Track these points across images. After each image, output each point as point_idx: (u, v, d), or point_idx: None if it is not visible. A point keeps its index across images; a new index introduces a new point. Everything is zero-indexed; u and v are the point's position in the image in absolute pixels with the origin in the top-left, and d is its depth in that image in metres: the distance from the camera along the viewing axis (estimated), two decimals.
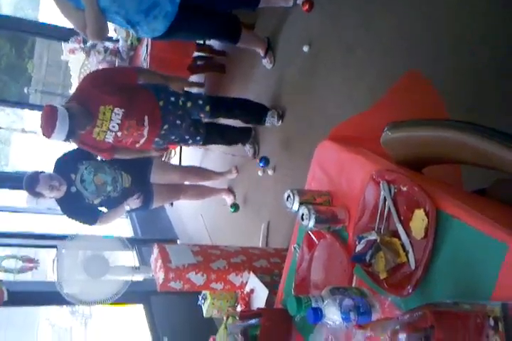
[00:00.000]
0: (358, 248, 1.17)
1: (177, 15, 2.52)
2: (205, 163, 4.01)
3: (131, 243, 4.41)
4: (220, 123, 3.36)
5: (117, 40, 4.11)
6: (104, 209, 3.16)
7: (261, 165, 3.14)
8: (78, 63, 4.71)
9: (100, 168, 3.02)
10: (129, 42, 3.94)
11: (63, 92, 7.44)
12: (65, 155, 3.13)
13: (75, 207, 3.00)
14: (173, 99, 2.82)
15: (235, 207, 3.53)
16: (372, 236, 1.15)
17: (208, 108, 2.91)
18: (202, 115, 2.95)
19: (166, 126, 2.81)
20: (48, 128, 2.49)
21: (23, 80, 9.13)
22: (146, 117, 2.73)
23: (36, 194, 2.90)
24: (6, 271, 3.34)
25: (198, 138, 3.03)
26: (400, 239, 1.11)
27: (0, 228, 4.72)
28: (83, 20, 2.46)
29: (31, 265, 3.45)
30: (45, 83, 8.60)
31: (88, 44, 4.00)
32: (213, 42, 4.22)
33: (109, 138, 2.70)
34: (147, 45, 3.59)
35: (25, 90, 7.04)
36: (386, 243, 1.12)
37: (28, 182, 2.88)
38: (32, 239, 4.27)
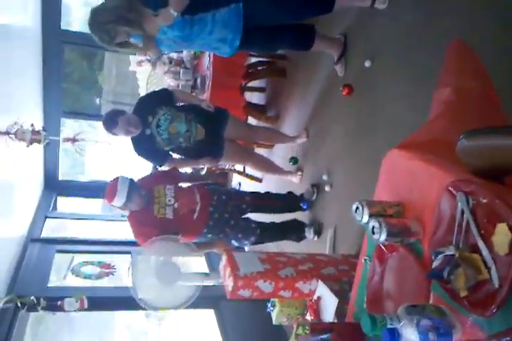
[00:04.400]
0: (435, 263, 1.11)
1: (242, 41, 2.57)
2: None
3: None
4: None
5: (181, 51, 4.21)
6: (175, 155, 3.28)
7: (304, 207, 3.31)
8: (145, 74, 4.89)
9: (177, 117, 3.05)
10: (192, 52, 4.02)
11: (132, 102, 7.73)
12: (148, 95, 3.31)
13: (146, 147, 3.08)
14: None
15: (294, 160, 3.52)
16: (450, 251, 1.08)
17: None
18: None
19: (215, 197, 3.02)
20: (110, 193, 2.75)
21: (94, 91, 9.56)
22: (195, 188, 3.04)
23: (114, 134, 3.03)
24: (85, 276, 3.50)
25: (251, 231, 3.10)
26: (480, 254, 1.04)
27: (77, 235, 4.98)
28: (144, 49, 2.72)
29: (108, 271, 3.59)
30: (114, 93, 8.96)
31: (154, 56, 4.12)
32: None
33: (170, 214, 2.83)
34: (209, 55, 3.65)
35: (97, 101, 7.37)
36: (465, 258, 1.05)
37: (107, 123, 2.98)
38: (108, 245, 4.45)
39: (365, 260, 1.47)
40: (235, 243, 3.11)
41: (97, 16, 2.41)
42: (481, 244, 1.03)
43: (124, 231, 4.59)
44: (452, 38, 2.09)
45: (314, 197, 3.32)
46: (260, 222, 3.17)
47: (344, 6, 2.65)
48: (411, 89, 2.39)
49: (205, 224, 2.95)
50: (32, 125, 3.58)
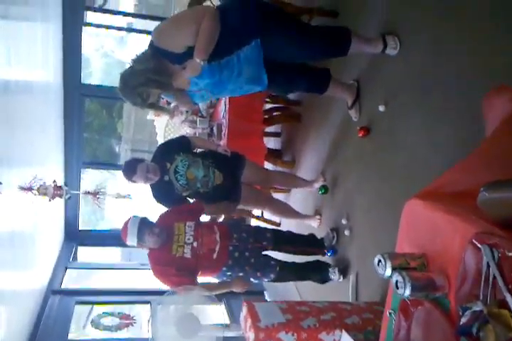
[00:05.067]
0: (463, 319, 1.07)
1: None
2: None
3: (220, 296, 4.42)
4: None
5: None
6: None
7: (328, 254, 3.26)
8: (163, 122, 5.01)
9: (195, 163, 3.08)
10: (208, 101, 4.11)
11: (150, 149, 7.90)
12: (166, 143, 3.37)
13: (165, 193, 3.10)
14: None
15: (324, 188, 3.46)
16: (478, 306, 1.05)
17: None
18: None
19: (235, 235, 2.99)
20: (123, 233, 2.82)
21: (113, 139, 9.80)
22: (215, 226, 3.01)
23: (133, 182, 3.07)
24: (105, 328, 3.45)
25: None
26: (509, 310, 1.00)
27: (97, 285, 4.96)
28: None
29: (128, 321, 3.54)
30: (133, 141, 9.18)
31: (171, 106, 4.23)
32: None
33: (188, 253, 2.82)
34: (225, 103, 3.73)
35: (117, 149, 7.55)
36: (494, 315, 1.02)
37: (127, 171, 3.03)
38: (127, 295, 4.41)
39: (390, 314, 1.42)
40: (254, 281, 3.06)
41: (127, 80, 2.48)
42: (509, 299, 1.00)
43: (144, 279, 4.57)
44: (465, 79, 2.12)
45: (334, 242, 3.28)
46: (280, 260, 3.12)
47: (356, 51, 2.71)
48: (427, 133, 2.40)
49: (225, 263, 2.92)
50: (54, 181, 3.66)
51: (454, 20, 2.25)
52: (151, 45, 2.48)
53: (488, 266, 1.06)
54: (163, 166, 3.05)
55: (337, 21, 3.36)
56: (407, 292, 1.17)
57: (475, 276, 1.10)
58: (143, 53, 2.50)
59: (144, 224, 2.81)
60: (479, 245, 1.08)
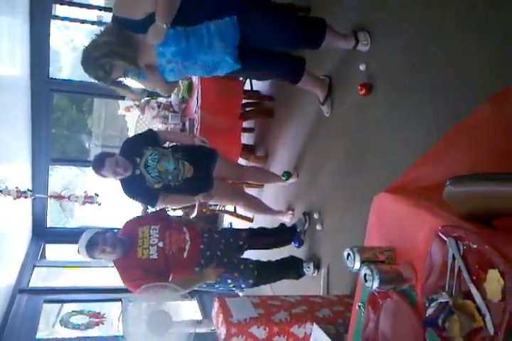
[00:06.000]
0: (429, 311, 1.09)
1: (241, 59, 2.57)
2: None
3: (192, 292, 4.39)
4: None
5: (169, 95, 4.27)
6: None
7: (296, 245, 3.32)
8: (134, 117, 4.94)
9: (164, 156, 3.04)
10: (180, 96, 4.08)
11: (121, 144, 7.78)
12: (133, 137, 3.31)
13: (136, 188, 3.03)
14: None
15: (287, 174, 3.52)
16: (444, 298, 1.07)
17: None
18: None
19: (206, 235, 2.96)
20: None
21: (84, 135, 9.63)
22: (184, 227, 2.94)
23: (102, 176, 2.99)
24: (74, 327, 3.39)
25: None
26: (473, 301, 1.03)
27: (67, 283, 4.87)
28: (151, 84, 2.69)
29: (98, 320, 3.49)
30: (104, 137, 9.04)
31: (142, 101, 4.17)
32: (261, 88, 4.30)
33: (154, 254, 2.77)
34: (197, 98, 3.70)
35: (87, 145, 7.42)
36: (459, 306, 1.04)
37: (95, 164, 2.97)
38: (97, 293, 4.35)
39: (360, 307, 1.44)
40: (231, 283, 2.97)
41: (89, 52, 2.41)
42: (474, 291, 1.02)
43: (114, 277, 4.51)
44: (441, 74, 2.15)
45: (306, 226, 3.30)
46: (257, 261, 3.09)
47: (328, 45, 2.73)
48: (401, 126, 2.42)
49: (197, 261, 2.88)
50: (16, 187, 3.57)
51: (427, 17, 2.29)
52: (113, 16, 2.45)
53: (454, 258, 1.08)
54: (133, 161, 2.99)
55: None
56: (375, 285, 1.18)
57: (441, 268, 1.12)
58: (106, 26, 2.47)
59: (91, 244, 2.70)
60: (445, 238, 1.10)
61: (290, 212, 3.57)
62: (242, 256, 3.10)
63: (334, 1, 3.16)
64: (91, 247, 2.70)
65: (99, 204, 3.85)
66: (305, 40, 2.67)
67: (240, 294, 3.27)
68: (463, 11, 2.06)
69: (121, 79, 2.57)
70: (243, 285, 3.00)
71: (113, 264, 2.83)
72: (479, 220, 1.12)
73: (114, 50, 2.38)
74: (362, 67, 2.75)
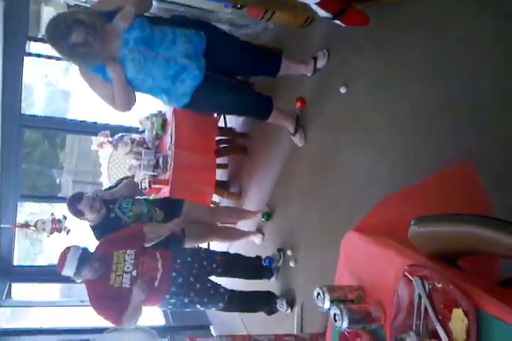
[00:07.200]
0: None
1: (204, 79, 2.64)
2: None
3: (164, 332, 4.28)
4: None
5: (143, 131, 4.28)
6: None
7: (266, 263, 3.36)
8: (107, 153, 4.91)
9: (137, 201, 3.23)
10: (154, 132, 4.10)
11: (94, 180, 7.69)
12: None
13: (113, 229, 3.01)
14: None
15: (267, 215, 3.55)
16: (411, 337, 1.08)
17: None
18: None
19: (178, 261, 2.93)
20: (60, 262, 2.68)
21: (55, 170, 9.49)
22: (157, 253, 2.89)
23: (78, 212, 3.04)
24: None
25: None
26: (440, 340, 1.04)
27: (32, 324, 4.67)
28: (111, 92, 2.58)
29: None
30: (76, 172, 8.92)
31: (115, 137, 4.17)
32: (235, 125, 4.36)
33: (127, 283, 2.71)
34: (171, 135, 3.72)
35: (57, 181, 7.30)
36: None
37: (72, 199, 3.05)
38: (65, 334, 4.19)
39: None
40: (200, 308, 2.95)
41: (63, 14, 2.54)
42: (440, 331, 1.03)
43: (83, 317, 4.36)
44: (410, 89, 2.25)
45: (280, 263, 3.31)
46: (229, 289, 3.05)
47: (289, 73, 2.85)
48: (374, 159, 2.49)
49: (167, 290, 2.81)
50: None
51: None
52: None
53: (420, 297, 1.10)
54: (107, 207, 3.11)
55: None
56: (345, 324, 1.19)
57: (408, 308, 1.14)
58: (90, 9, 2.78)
59: (84, 257, 2.69)
60: (411, 277, 1.12)
61: (260, 235, 3.60)
62: (214, 281, 3.04)
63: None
64: (83, 261, 2.66)
65: (68, 232, 3.78)
66: (263, 67, 2.89)
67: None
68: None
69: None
70: (213, 308, 3.02)
71: (83, 283, 2.77)
72: (445, 259, 1.15)
73: (81, 18, 2.39)
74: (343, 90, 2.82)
